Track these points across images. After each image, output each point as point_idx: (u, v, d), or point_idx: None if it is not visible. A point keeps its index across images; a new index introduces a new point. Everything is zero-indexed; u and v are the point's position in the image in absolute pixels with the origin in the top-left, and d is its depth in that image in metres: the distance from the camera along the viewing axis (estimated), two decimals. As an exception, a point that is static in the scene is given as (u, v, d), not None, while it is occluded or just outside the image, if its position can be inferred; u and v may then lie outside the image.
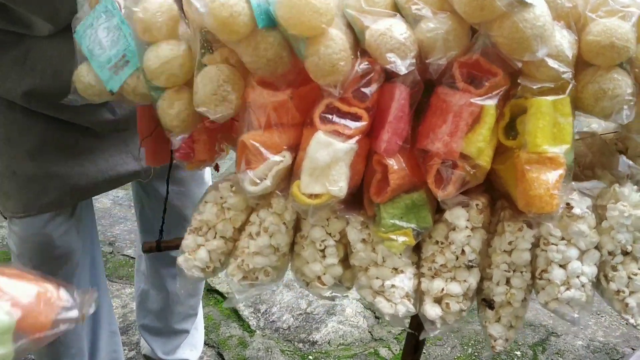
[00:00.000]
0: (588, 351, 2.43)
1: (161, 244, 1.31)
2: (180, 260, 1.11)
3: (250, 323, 2.58)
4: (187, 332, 2.11)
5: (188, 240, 1.11)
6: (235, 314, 2.63)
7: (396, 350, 2.43)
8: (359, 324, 2.56)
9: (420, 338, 1.12)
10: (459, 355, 2.41)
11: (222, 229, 1.09)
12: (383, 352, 2.43)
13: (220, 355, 2.41)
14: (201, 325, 2.22)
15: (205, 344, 2.32)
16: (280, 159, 0.98)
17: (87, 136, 1.51)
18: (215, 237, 1.10)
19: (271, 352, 2.41)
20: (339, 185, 0.94)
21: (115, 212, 3.55)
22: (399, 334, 2.51)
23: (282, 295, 2.70)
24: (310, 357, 2.39)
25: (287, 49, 0.93)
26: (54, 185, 1.49)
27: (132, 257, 3.00)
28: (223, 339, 2.49)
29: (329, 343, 2.46)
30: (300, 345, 2.45)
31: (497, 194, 1.08)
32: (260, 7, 0.89)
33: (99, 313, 1.81)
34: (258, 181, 0.98)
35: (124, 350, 2.26)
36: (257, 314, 2.62)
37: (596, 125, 1.22)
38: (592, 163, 1.10)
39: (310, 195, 0.96)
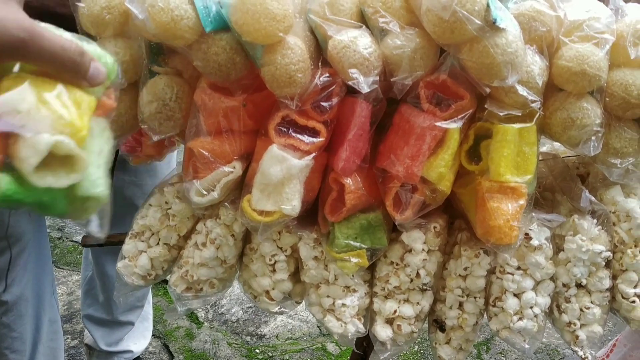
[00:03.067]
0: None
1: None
2: (120, 266, 1.04)
3: (198, 315, 2.53)
4: (131, 324, 2.04)
5: (129, 246, 1.04)
6: None
7: (343, 345, 2.42)
8: (308, 318, 2.53)
9: None
10: (405, 352, 2.42)
11: (166, 236, 1.02)
12: (330, 347, 2.41)
13: (165, 346, 2.36)
14: (149, 317, 2.16)
15: (152, 335, 2.27)
16: (230, 170, 0.91)
17: None
18: (158, 244, 1.03)
19: (218, 344, 2.37)
20: (292, 204, 0.89)
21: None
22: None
23: (232, 288, 2.62)
24: (257, 350, 2.36)
25: (241, 54, 0.86)
26: None
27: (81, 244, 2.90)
28: (170, 330, 2.43)
29: (277, 337, 2.43)
30: (248, 338, 2.42)
31: (455, 213, 1.05)
32: (208, 10, 0.81)
33: (43, 298, 1.73)
34: (205, 192, 0.91)
35: (67, 338, 2.19)
36: (206, 305, 2.56)
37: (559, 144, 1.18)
38: (552, 186, 1.07)
39: (261, 212, 0.90)
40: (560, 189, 1.05)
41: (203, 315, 2.52)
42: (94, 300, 1.96)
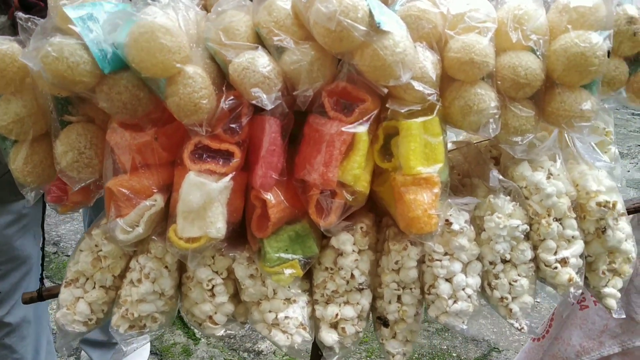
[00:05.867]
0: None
1: (43, 292, 1.22)
2: (59, 315, 1.03)
3: (195, 331, 2.49)
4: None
5: (65, 294, 1.03)
6: (181, 321, 2.54)
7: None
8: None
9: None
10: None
11: (101, 278, 1.02)
12: (327, 362, 2.43)
13: (162, 363, 2.35)
14: (146, 336, 2.14)
15: (149, 351, 2.24)
16: (151, 203, 0.92)
17: None
18: (94, 288, 1.03)
19: (215, 361, 2.37)
20: (217, 226, 0.90)
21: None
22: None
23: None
24: (254, 366, 2.36)
25: (144, 89, 0.88)
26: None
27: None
28: (167, 347, 2.40)
29: (274, 353, 2.42)
30: (245, 354, 2.40)
31: (381, 212, 1.09)
32: (104, 53, 0.82)
33: (42, 319, 1.74)
34: (129, 229, 0.92)
35: (63, 356, 2.16)
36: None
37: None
38: (468, 171, 1.12)
39: (188, 239, 0.91)
40: (476, 173, 1.10)
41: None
42: None
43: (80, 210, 1.99)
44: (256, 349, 2.43)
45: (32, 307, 1.63)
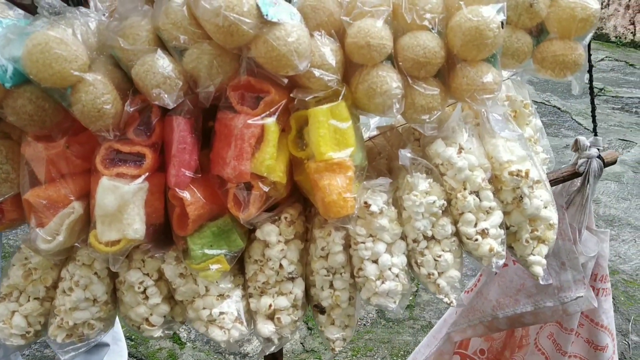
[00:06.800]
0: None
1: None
2: (-3, 331, 1.05)
3: (181, 335, 2.50)
4: (107, 345, 2.04)
5: (0, 309, 1.05)
6: None
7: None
8: None
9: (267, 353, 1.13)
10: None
11: (33, 290, 1.04)
12: (313, 363, 2.43)
13: (148, 368, 2.35)
14: (122, 337, 2.14)
15: (134, 356, 2.24)
16: (69, 211, 0.94)
17: None
18: (28, 300, 1.05)
19: (201, 364, 2.37)
20: (134, 227, 0.92)
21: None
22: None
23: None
24: (241, 369, 2.36)
25: (49, 100, 0.90)
26: None
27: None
28: (152, 352, 2.40)
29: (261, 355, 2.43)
30: (232, 357, 2.41)
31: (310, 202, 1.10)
32: (4, 68, 0.85)
33: None
34: (50, 238, 0.94)
35: None
36: (189, 325, 2.54)
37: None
38: (391, 155, 1.15)
39: (108, 243, 0.93)
40: (397, 157, 1.12)
41: (185, 335, 2.50)
42: None
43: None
44: (242, 351, 2.44)
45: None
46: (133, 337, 2.41)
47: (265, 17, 0.86)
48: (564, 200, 1.28)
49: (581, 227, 1.31)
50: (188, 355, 2.42)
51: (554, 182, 1.24)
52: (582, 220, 1.31)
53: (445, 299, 1.05)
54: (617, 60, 6.66)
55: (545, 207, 1.06)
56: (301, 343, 2.53)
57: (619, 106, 5.37)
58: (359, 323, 2.62)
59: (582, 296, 1.29)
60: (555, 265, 1.28)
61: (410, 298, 2.76)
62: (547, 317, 1.29)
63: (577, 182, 1.29)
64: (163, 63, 0.90)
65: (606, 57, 6.73)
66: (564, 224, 1.28)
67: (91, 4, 1.03)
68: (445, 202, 1.03)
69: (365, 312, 2.68)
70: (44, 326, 1.08)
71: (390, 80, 0.96)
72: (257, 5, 0.86)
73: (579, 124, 4.98)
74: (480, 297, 1.32)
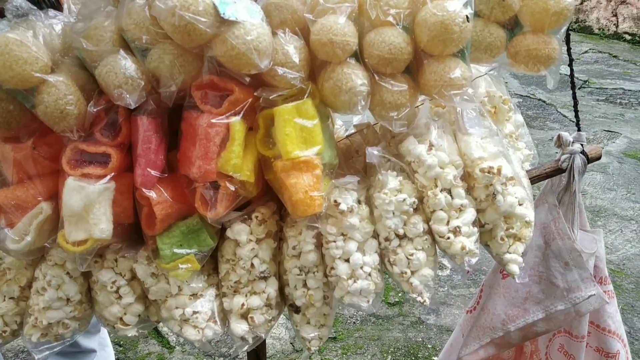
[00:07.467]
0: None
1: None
2: (-26, 330, 1.07)
3: (169, 339, 2.51)
4: (94, 351, 2.05)
5: (-24, 309, 1.07)
6: (155, 330, 2.55)
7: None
8: (281, 335, 2.55)
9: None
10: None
11: (8, 290, 1.05)
12: (303, 363, 2.43)
13: (137, 373, 2.36)
14: (109, 342, 2.16)
15: None
16: (37, 212, 0.95)
17: None
18: (4, 300, 1.06)
19: (190, 368, 2.38)
20: (100, 227, 0.93)
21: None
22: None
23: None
24: (231, 370, 2.36)
25: (14, 102, 0.91)
26: None
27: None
28: (141, 357, 2.42)
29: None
30: (221, 359, 2.42)
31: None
32: None
33: None
34: (18, 238, 0.95)
35: None
36: (164, 325, 2.56)
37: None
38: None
39: (75, 243, 0.94)
40: (371, 154, 1.11)
41: (174, 339, 2.51)
42: None
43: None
44: (232, 353, 2.45)
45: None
46: (121, 342, 2.42)
47: (222, 15, 0.86)
48: (555, 198, 1.24)
49: (573, 226, 1.28)
50: (177, 358, 2.43)
51: (537, 179, 1.21)
52: (574, 219, 1.28)
53: (419, 298, 1.04)
54: (600, 52, 6.56)
55: (521, 205, 1.04)
56: (291, 343, 2.53)
57: (604, 97, 5.32)
58: (349, 321, 2.61)
59: (594, 294, 1.23)
60: (559, 267, 1.23)
61: (400, 295, 2.74)
62: (559, 321, 1.24)
63: (564, 180, 1.26)
64: (125, 63, 0.90)
65: (590, 49, 6.63)
66: (560, 223, 1.24)
67: (65, 6, 1.04)
68: (416, 200, 1.01)
69: (354, 310, 2.66)
70: (20, 326, 1.09)
71: (355, 77, 0.95)
72: (214, 4, 0.86)
73: (564, 116, 4.94)
74: (486, 313, 1.27)
